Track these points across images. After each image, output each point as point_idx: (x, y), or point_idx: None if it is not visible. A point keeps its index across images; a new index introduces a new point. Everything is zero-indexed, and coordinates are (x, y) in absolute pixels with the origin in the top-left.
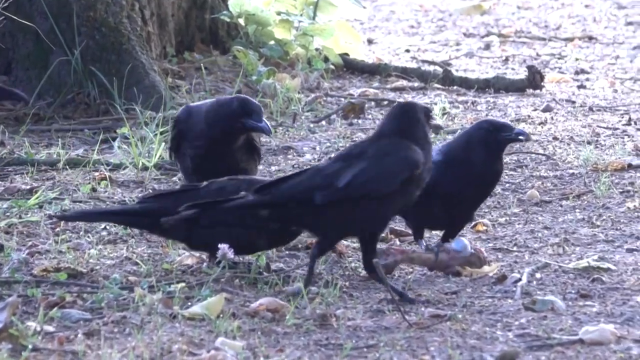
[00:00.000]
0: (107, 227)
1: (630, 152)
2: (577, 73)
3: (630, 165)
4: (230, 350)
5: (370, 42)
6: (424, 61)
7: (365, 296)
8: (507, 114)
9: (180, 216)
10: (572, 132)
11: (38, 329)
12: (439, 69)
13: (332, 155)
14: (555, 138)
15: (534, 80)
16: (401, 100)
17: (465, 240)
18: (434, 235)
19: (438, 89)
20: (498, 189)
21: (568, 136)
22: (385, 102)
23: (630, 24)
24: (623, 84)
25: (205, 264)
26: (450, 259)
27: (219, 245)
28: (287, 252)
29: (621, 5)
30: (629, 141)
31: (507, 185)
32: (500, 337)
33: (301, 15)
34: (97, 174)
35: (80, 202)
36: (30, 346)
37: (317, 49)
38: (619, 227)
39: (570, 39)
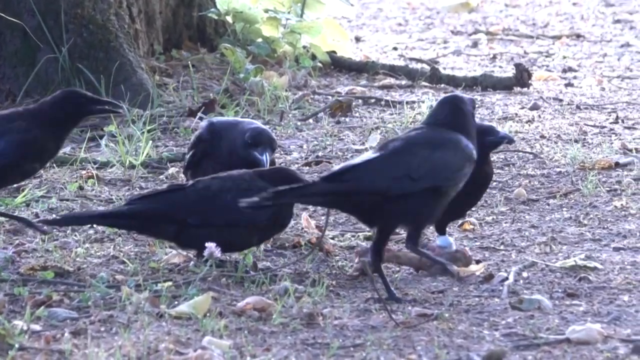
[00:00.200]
0: (94, 225)
1: (617, 150)
2: (564, 71)
3: (617, 164)
4: (217, 349)
5: (357, 39)
6: (411, 59)
7: (352, 295)
8: (495, 112)
9: (258, 202)
10: (560, 131)
11: (25, 327)
12: (427, 67)
13: (381, 141)
14: (542, 136)
15: (521, 78)
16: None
17: (450, 238)
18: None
19: (425, 87)
20: None
21: (555, 134)
22: (373, 100)
23: (617, 21)
24: (610, 82)
25: (192, 262)
26: (436, 256)
27: (206, 244)
28: (274, 251)
29: (609, 3)
30: (616, 139)
31: (495, 183)
32: (487, 336)
33: (289, 12)
34: (84, 172)
35: (68, 200)
36: (16, 345)
37: (304, 47)
38: (606, 226)
39: (558, 37)
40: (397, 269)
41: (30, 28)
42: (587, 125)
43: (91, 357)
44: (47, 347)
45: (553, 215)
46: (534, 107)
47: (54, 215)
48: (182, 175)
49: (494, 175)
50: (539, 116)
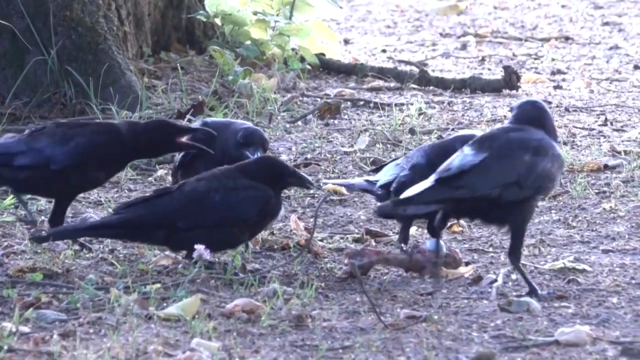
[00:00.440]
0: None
1: (606, 152)
2: (553, 73)
3: (606, 166)
4: (205, 351)
5: (346, 42)
6: (400, 61)
7: (340, 297)
8: (484, 115)
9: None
10: None
11: (13, 329)
12: (416, 69)
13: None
14: None
15: (510, 80)
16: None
17: (441, 241)
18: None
19: (414, 89)
20: None
21: None
22: (362, 102)
23: (606, 24)
24: (599, 85)
25: (181, 264)
26: (426, 260)
27: (195, 246)
28: (263, 253)
29: (597, 6)
30: (605, 142)
31: None
32: (475, 338)
33: (277, 15)
34: None
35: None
36: (5, 347)
37: (293, 49)
38: (594, 228)
39: (547, 40)
40: (386, 270)
41: (19, 30)
42: (576, 127)
43: (80, 358)
44: (36, 349)
45: (542, 218)
46: None
47: (42, 218)
48: (169, 177)
49: None
50: None
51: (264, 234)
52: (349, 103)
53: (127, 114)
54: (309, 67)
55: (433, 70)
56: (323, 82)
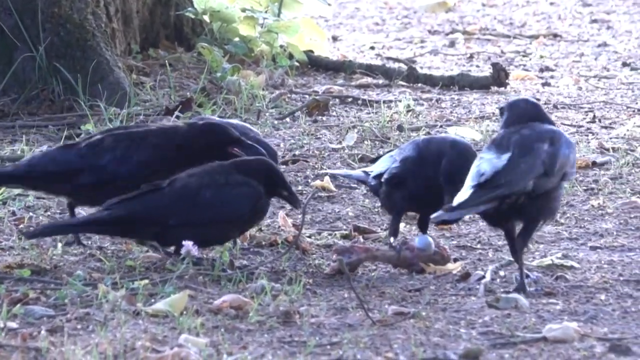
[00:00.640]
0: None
1: (594, 149)
2: (541, 70)
3: (594, 163)
4: (193, 347)
5: (335, 39)
6: (388, 58)
7: (328, 293)
8: (472, 112)
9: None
10: None
11: (1, 325)
12: (404, 66)
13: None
14: None
15: (498, 77)
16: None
17: (429, 238)
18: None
19: (403, 86)
20: None
21: None
22: (350, 99)
23: (594, 21)
24: (587, 82)
25: (169, 260)
26: (414, 256)
27: (183, 242)
28: (251, 250)
29: (586, 3)
30: (593, 139)
31: None
32: (463, 334)
33: (266, 12)
34: None
35: (44, 198)
36: None
37: (281, 46)
38: (583, 225)
39: (535, 37)
40: (374, 267)
41: (7, 27)
42: (564, 124)
43: (68, 354)
44: (24, 345)
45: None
46: None
47: (30, 214)
48: None
49: None
50: None
51: (252, 231)
52: (337, 100)
53: (115, 111)
54: (297, 64)
55: (421, 67)
56: (311, 79)
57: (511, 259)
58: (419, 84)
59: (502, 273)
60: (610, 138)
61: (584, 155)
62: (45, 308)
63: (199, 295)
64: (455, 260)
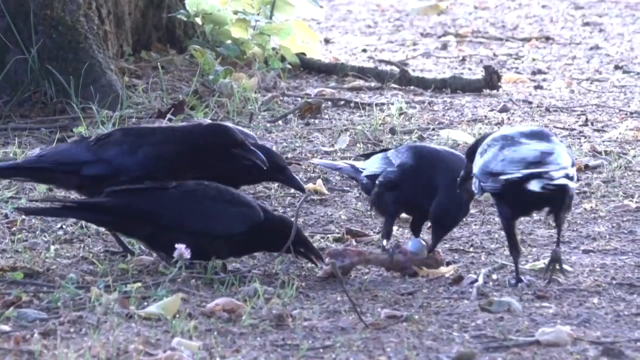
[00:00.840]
0: (64, 226)
1: (587, 153)
2: (534, 73)
3: (587, 166)
4: (186, 350)
5: (327, 41)
6: (381, 61)
7: (321, 297)
8: (464, 114)
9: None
10: None
11: None
12: (396, 69)
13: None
14: None
15: (490, 80)
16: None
17: (422, 241)
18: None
19: (395, 88)
20: None
21: None
22: (342, 102)
23: (587, 24)
24: (580, 85)
25: (161, 264)
26: (407, 260)
27: (176, 245)
28: None
29: (578, 6)
30: (585, 142)
31: None
32: (456, 338)
33: (258, 14)
34: None
35: (37, 201)
36: None
37: (274, 49)
38: (575, 229)
39: (527, 40)
40: (367, 270)
41: None
42: (557, 127)
43: (61, 357)
44: (17, 348)
45: (522, 218)
46: (504, 110)
47: (23, 217)
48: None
49: None
50: (509, 118)
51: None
52: (329, 103)
53: (108, 113)
54: (289, 66)
55: (414, 70)
56: (304, 82)
57: (504, 262)
58: (412, 87)
59: (494, 276)
60: (603, 141)
61: (576, 159)
62: (38, 311)
63: (192, 299)
64: (448, 263)
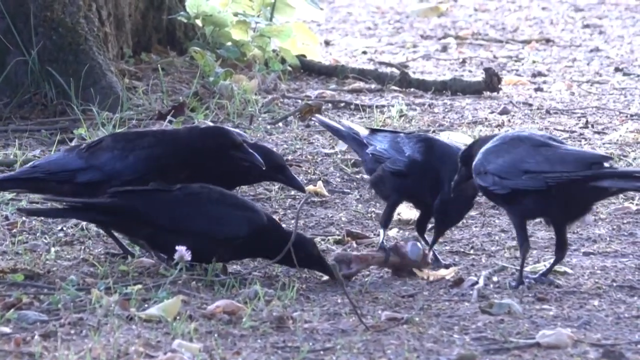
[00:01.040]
0: (64, 228)
1: None
2: (534, 76)
3: None
4: (187, 352)
5: (327, 43)
6: (381, 63)
7: (322, 299)
8: (464, 117)
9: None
10: None
11: None
12: (396, 71)
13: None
14: None
15: (491, 82)
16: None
17: (421, 247)
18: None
19: (395, 91)
20: None
21: None
22: (342, 104)
23: (587, 26)
24: (580, 87)
25: (162, 265)
26: (402, 263)
27: (177, 247)
28: None
29: (578, 8)
30: (585, 144)
31: None
32: (457, 340)
33: (258, 16)
34: None
35: (37, 203)
36: None
37: (274, 51)
38: (576, 231)
39: (528, 42)
40: (367, 272)
41: None
42: (557, 130)
43: (61, 359)
44: (17, 350)
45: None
46: (504, 112)
47: (23, 219)
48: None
49: None
50: (509, 121)
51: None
52: (329, 104)
53: (108, 115)
54: (289, 68)
55: (414, 72)
56: (304, 84)
57: (505, 264)
58: (412, 89)
59: (495, 279)
60: (603, 143)
61: None
62: (38, 313)
63: (192, 301)
64: (449, 266)
